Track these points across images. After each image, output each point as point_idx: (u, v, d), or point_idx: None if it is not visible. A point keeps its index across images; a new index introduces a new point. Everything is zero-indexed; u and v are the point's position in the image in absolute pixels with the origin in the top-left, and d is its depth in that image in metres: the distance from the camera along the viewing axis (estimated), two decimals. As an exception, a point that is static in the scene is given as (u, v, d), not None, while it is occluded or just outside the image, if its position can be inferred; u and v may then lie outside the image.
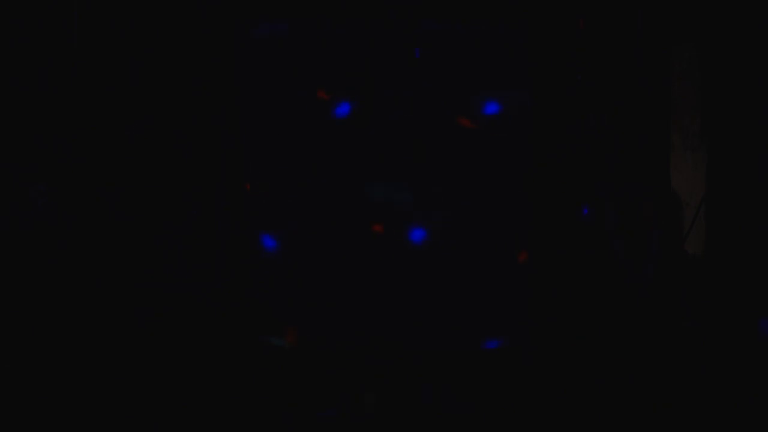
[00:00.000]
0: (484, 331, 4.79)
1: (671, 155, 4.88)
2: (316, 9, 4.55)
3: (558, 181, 4.75)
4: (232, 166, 4.57)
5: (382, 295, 4.74)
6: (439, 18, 4.65)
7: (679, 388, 4.45)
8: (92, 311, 4.29)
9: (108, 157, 4.33)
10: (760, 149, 4.70)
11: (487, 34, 4.76)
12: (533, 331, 4.77)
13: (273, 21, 4.64)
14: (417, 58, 4.49)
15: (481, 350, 4.74)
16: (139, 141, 4.36)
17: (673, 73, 4.92)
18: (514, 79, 4.79)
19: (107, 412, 4.17)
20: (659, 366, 4.54)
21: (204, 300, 4.43)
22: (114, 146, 4.34)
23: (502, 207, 4.81)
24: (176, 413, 4.22)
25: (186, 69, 4.35)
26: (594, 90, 4.66)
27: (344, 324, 4.70)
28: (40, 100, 4.16)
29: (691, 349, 4.61)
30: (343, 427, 4.41)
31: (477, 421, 4.46)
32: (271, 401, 4.42)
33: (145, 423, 4.16)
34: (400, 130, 4.68)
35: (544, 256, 4.79)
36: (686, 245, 4.85)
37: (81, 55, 4.20)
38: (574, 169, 4.70)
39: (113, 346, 4.32)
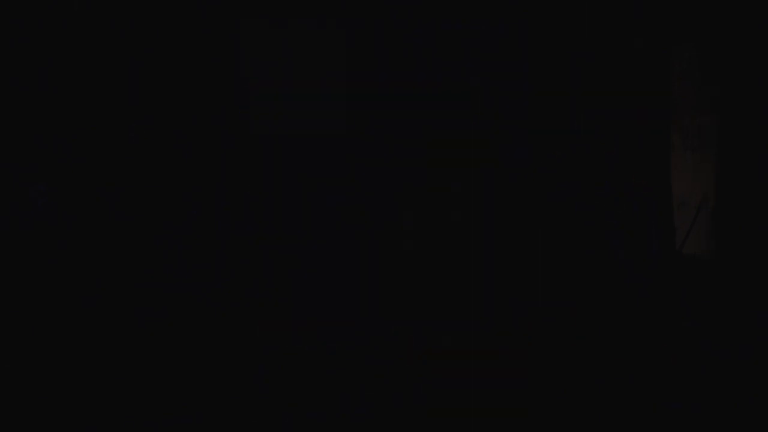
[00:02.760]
0: (484, 331, 4.80)
1: (671, 155, 4.89)
2: (318, 8, 4.55)
3: (558, 181, 4.75)
4: (232, 165, 4.57)
5: (379, 294, 4.75)
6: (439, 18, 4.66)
7: (680, 388, 4.45)
8: (92, 311, 4.29)
9: (108, 157, 4.33)
10: (762, 149, 4.70)
11: (486, 34, 4.77)
12: (533, 330, 4.77)
13: (274, 20, 4.65)
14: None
15: (487, 348, 4.75)
16: (139, 141, 4.36)
17: (673, 73, 4.92)
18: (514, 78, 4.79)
19: (107, 412, 4.17)
20: (659, 366, 4.54)
21: (204, 300, 4.43)
22: (114, 146, 4.34)
23: (502, 206, 4.81)
24: (176, 413, 4.23)
25: (186, 68, 4.35)
26: (593, 89, 4.66)
27: (345, 323, 4.71)
28: (40, 100, 4.16)
29: (691, 349, 4.61)
30: (343, 426, 4.42)
31: (477, 421, 4.47)
32: (271, 401, 4.42)
33: (146, 423, 4.17)
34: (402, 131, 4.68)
35: (544, 256, 4.79)
36: (687, 245, 4.85)
37: (81, 55, 4.20)
38: (574, 169, 4.70)
39: (113, 346, 4.32)
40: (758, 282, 4.72)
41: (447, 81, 4.71)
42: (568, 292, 4.69)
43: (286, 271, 4.65)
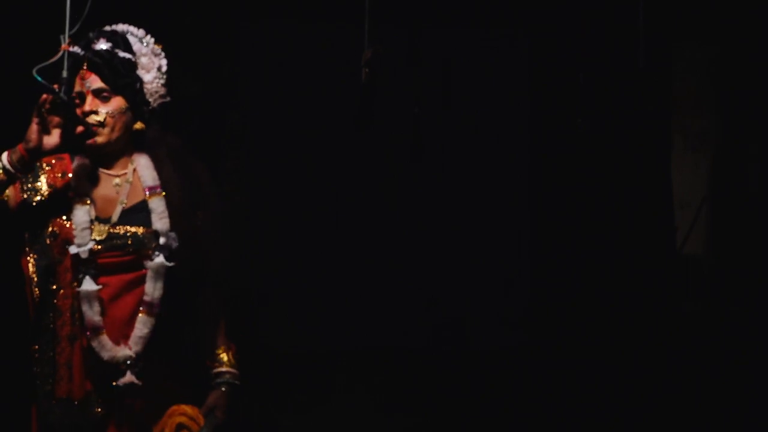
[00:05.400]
0: (486, 330, 4.79)
1: (671, 155, 4.88)
2: (318, 10, 4.54)
3: (558, 181, 4.75)
4: (233, 164, 4.56)
5: (381, 293, 4.74)
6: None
7: (680, 388, 4.45)
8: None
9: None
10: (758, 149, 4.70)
11: (488, 38, 4.77)
12: (534, 330, 4.76)
13: (274, 20, 4.64)
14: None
15: (483, 349, 4.74)
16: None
17: (675, 72, 4.91)
18: (515, 81, 4.79)
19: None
20: (659, 365, 4.54)
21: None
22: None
23: (502, 207, 4.81)
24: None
25: (186, 67, 4.33)
26: (594, 89, 4.65)
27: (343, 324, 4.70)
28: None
29: (691, 349, 4.61)
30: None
31: (478, 421, 4.47)
32: (269, 400, 4.42)
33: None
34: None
35: (544, 256, 4.78)
36: (687, 245, 4.84)
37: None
38: (574, 169, 4.69)
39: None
40: (758, 282, 4.72)
41: None
42: (568, 292, 4.69)
43: None
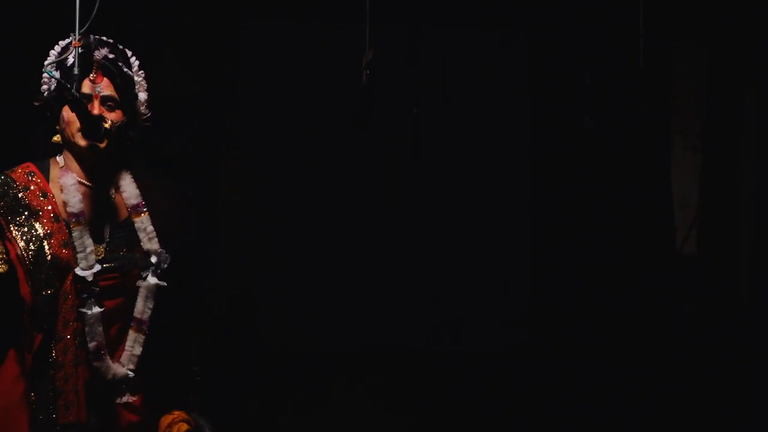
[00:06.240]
0: (486, 330, 4.79)
1: (671, 155, 4.88)
2: (318, 9, 4.54)
3: (558, 181, 4.75)
4: (233, 164, 4.57)
5: (381, 293, 4.74)
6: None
7: (680, 388, 4.45)
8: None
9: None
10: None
11: (487, 38, 4.77)
12: (534, 330, 4.77)
13: (274, 19, 4.64)
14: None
15: (483, 349, 4.74)
16: (138, 140, 4.34)
17: (675, 72, 4.92)
18: (515, 81, 4.79)
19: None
20: (658, 364, 4.55)
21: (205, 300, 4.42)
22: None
23: (502, 207, 4.81)
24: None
25: (186, 67, 4.34)
26: (594, 89, 4.65)
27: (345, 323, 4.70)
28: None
29: (690, 348, 4.62)
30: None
31: (478, 421, 4.47)
32: (269, 400, 4.42)
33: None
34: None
35: (544, 256, 4.79)
36: (686, 245, 4.85)
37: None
38: (574, 169, 4.69)
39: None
40: (757, 281, 4.73)
41: None
42: (568, 292, 4.69)
43: None
